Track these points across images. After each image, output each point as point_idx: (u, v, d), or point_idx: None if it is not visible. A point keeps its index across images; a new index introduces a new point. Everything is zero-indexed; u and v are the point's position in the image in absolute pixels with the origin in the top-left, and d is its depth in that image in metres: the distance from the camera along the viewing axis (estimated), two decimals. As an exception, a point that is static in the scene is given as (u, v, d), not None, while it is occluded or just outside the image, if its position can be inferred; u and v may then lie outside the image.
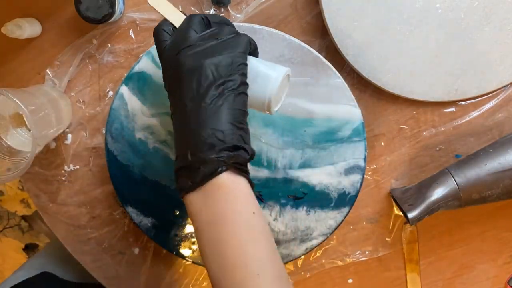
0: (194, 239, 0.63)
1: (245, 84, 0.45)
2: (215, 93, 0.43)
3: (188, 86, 0.44)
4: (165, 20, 0.49)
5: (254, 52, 0.49)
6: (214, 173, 0.43)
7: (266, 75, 0.48)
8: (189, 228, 0.63)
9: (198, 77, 0.43)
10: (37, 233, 1.41)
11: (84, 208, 0.67)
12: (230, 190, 0.43)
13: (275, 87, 0.48)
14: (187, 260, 0.64)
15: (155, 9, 0.49)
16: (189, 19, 0.47)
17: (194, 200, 0.44)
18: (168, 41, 0.47)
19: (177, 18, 0.49)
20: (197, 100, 0.43)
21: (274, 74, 0.48)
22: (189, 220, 0.63)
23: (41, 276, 0.72)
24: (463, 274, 0.66)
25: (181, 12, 0.49)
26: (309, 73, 0.58)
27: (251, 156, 0.45)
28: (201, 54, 0.44)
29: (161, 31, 0.47)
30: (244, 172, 0.45)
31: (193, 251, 0.63)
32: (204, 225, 0.44)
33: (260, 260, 0.42)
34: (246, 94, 0.45)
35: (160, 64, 0.58)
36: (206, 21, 0.47)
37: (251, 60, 0.48)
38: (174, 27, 0.48)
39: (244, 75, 0.45)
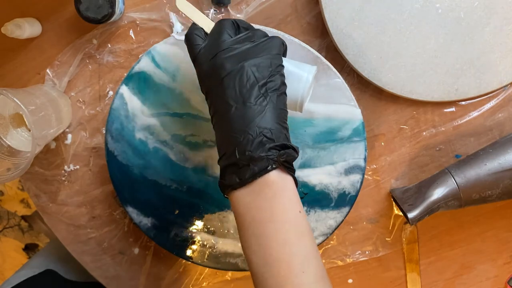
0: (194, 239, 0.63)
1: (284, 85, 0.46)
2: (259, 93, 0.44)
3: (231, 87, 0.44)
4: (195, 24, 0.50)
5: (284, 53, 0.50)
6: (264, 171, 0.43)
7: (298, 75, 0.49)
8: (189, 228, 0.63)
9: (240, 78, 0.44)
10: (37, 233, 1.41)
11: (84, 208, 0.67)
12: (279, 188, 0.44)
13: (307, 87, 0.49)
14: (187, 260, 0.64)
15: (183, 13, 0.50)
16: (221, 23, 0.48)
17: (241, 197, 0.45)
18: (203, 45, 0.47)
19: (205, 23, 0.50)
20: (241, 100, 0.44)
21: (305, 74, 0.49)
22: (189, 220, 0.63)
23: (45, 274, 0.73)
24: (463, 274, 0.66)
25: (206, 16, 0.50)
26: (309, 73, 0.58)
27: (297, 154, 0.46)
28: (240, 56, 0.45)
29: (194, 36, 0.48)
30: (291, 171, 0.45)
31: (193, 251, 0.63)
32: (251, 221, 0.44)
33: (304, 258, 0.43)
34: (286, 94, 0.46)
35: (160, 64, 0.59)
36: (236, 25, 0.48)
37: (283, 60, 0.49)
38: (205, 32, 0.49)
39: (283, 75, 0.46)
